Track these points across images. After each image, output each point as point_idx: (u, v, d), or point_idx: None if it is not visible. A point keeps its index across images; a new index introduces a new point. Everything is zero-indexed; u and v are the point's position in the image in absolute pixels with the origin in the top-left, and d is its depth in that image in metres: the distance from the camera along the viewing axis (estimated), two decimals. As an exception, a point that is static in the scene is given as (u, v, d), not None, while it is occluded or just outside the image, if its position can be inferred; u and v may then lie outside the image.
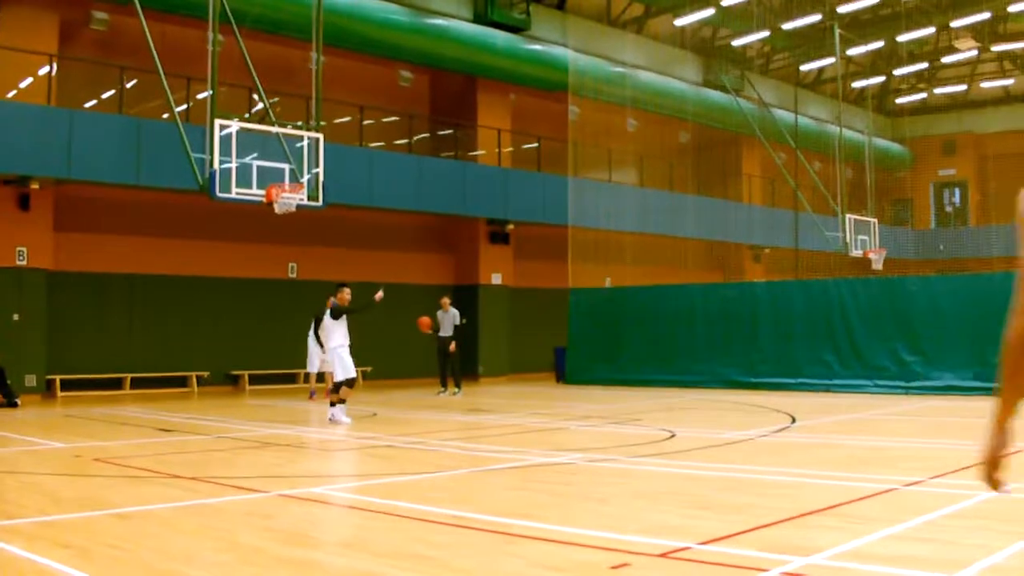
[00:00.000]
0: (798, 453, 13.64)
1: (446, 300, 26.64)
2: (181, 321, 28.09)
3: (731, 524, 8.27)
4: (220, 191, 21.83)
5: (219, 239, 28.84)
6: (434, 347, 26.56)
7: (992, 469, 3.45)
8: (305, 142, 23.46)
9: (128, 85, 26.69)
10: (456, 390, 26.34)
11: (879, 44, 45.51)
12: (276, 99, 26.77)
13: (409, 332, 32.79)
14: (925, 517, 8.48)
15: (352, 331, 19.56)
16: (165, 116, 24.62)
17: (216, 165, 21.65)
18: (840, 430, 16.57)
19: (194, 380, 27.95)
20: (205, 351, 28.39)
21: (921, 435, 16.02)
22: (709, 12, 38.10)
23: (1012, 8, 40.41)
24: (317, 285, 30.23)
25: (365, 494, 10.14)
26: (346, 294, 19.40)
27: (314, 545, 7.83)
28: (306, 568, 7.05)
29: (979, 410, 19.57)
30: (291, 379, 29.75)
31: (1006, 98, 53.54)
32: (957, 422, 17.94)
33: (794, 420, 18.19)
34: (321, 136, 23.65)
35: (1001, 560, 6.92)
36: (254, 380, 29.09)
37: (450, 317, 26.13)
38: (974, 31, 44.65)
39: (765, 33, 41.33)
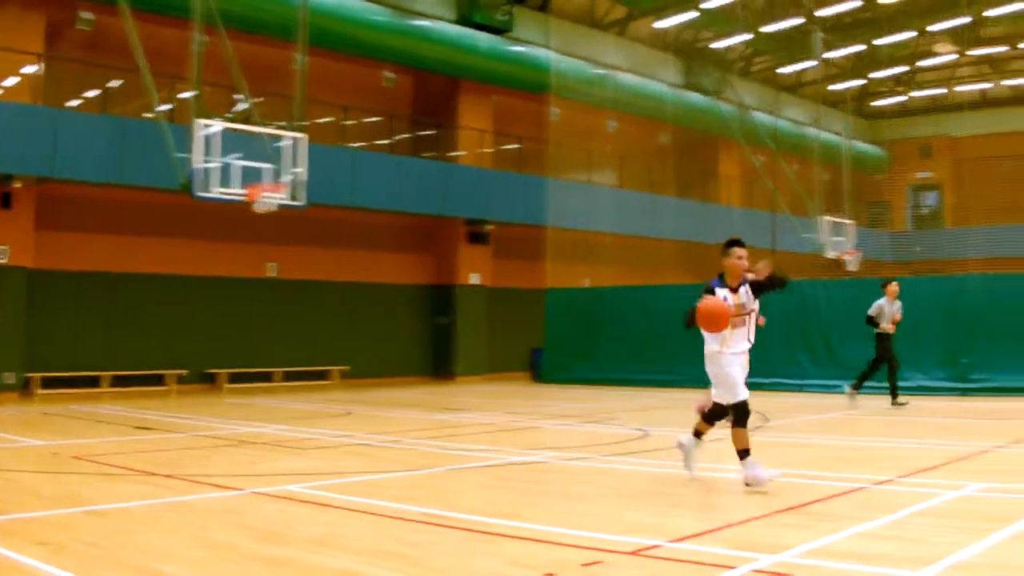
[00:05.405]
0: (770, 452, 13.70)
1: (893, 287, 21.18)
2: (161, 319, 28.03)
3: (702, 522, 8.39)
4: (201, 190, 21.84)
5: (201, 238, 28.80)
6: None
7: None
8: (288, 142, 23.50)
9: (114, 84, 26.71)
10: (898, 401, 20.86)
11: (859, 47, 45.70)
12: (260, 99, 26.80)
13: (387, 330, 32.96)
14: (894, 516, 8.60)
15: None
16: (150, 115, 24.61)
17: (197, 164, 21.68)
18: (812, 430, 16.70)
19: (172, 378, 27.91)
20: (184, 349, 28.33)
21: (891, 435, 16.10)
22: (691, 15, 38.22)
23: (989, 13, 40.62)
24: (298, 284, 30.34)
25: (341, 492, 10.17)
26: (734, 259, 10.86)
27: (289, 542, 7.85)
28: (280, 565, 7.10)
29: (949, 410, 19.78)
30: (267, 378, 29.74)
31: (983, 102, 53.81)
32: (927, 422, 18.02)
33: (767, 420, 18.28)
34: (304, 136, 23.69)
35: (967, 558, 7.04)
36: (232, 379, 29.09)
37: (896, 308, 20.90)
38: (953, 35, 44.82)
39: (746, 36, 41.49)
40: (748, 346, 10.80)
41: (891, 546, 7.47)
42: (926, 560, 6.91)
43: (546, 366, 31.68)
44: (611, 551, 7.33)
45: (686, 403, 22.58)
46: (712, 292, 10.57)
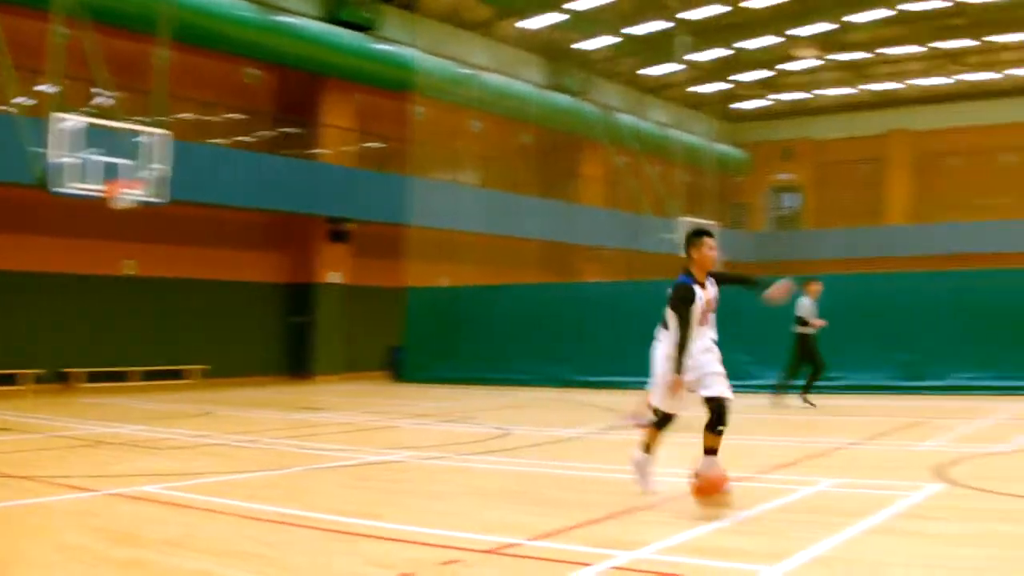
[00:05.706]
0: (628, 450, 13.84)
1: (816, 286, 20.57)
2: (14, 318, 27.25)
3: (561, 520, 8.45)
4: (58, 185, 21.44)
5: (57, 235, 28.07)
6: None
7: None
8: (149, 138, 23.13)
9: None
10: (780, 399, 20.91)
11: (723, 51, 46.32)
12: (122, 93, 26.28)
13: (247, 329, 32.59)
14: (751, 511, 8.79)
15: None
16: (5, 108, 23.97)
17: (54, 159, 21.26)
18: (674, 427, 16.86)
19: (27, 378, 27.20)
20: (39, 349, 27.60)
21: (748, 432, 16.34)
22: (557, 16, 38.45)
23: (852, 19, 41.49)
24: (157, 282, 29.82)
25: (197, 492, 10.05)
26: (706, 250, 9.77)
27: (144, 544, 7.75)
28: (135, 567, 7.01)
29: (800, 408, 20.06)
30: (125, 377, 29.15)
31: (845, 106, 54.96)
32: (781, 419, 18.34)
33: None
34: (167, 132, 23.36)
35: (823, 552, 7.21)
36: (89, 378, 28.48)
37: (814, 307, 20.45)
38: (820, 40, 45.61)
39: (613, 39, 41.82)
40: (712, 342, 9.75)
41: (748, 541, 7.61)
42: (783, 554, 7.06)
43: (406, 365, 31.54)
44: (469, 549, 7.35)
45: (545, 402, 22.79)
46: (691, 291, 9.48)
